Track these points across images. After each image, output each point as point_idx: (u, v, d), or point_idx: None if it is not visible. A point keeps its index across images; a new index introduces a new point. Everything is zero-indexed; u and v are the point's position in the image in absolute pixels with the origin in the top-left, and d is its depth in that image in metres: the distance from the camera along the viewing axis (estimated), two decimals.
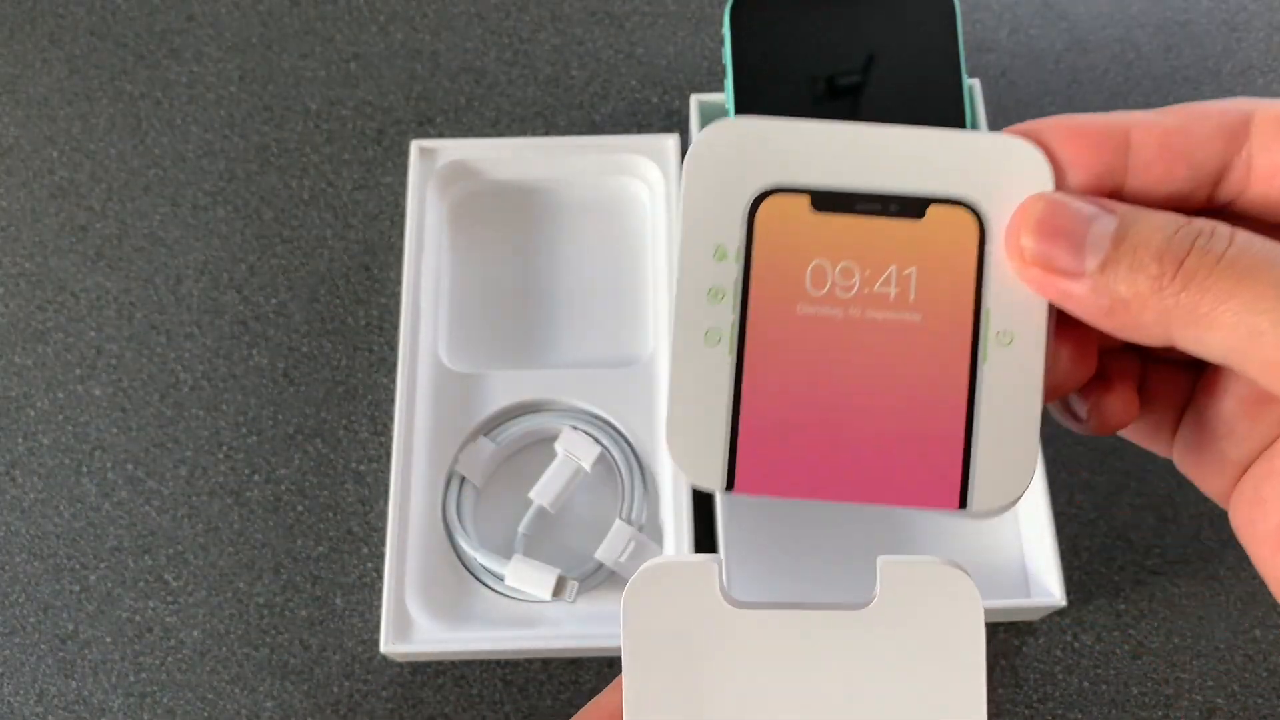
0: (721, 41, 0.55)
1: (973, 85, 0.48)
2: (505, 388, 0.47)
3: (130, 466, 0.48)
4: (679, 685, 0.22)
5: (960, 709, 0.21)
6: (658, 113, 0.55)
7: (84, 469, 0.48)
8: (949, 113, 0.46)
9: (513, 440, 0.46)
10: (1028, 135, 0.22)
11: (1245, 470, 0.23)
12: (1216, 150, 0.21)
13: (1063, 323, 0.22)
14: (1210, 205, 0.22)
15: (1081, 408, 0.24)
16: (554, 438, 0.46)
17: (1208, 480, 0.24)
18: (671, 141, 0.50)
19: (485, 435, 0.46)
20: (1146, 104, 0.54)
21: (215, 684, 0.45)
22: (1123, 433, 0.25)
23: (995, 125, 0.54)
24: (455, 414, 0.46)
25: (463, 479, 0.45)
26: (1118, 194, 0.21)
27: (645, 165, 0.50)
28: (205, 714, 0.44)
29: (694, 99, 0.50)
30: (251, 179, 0.53)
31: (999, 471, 0.22)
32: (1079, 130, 0.22)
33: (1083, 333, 0.22)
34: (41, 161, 0.54)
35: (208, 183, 0.53)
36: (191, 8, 0.57)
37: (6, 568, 0.47)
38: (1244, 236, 0.20)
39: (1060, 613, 0.45)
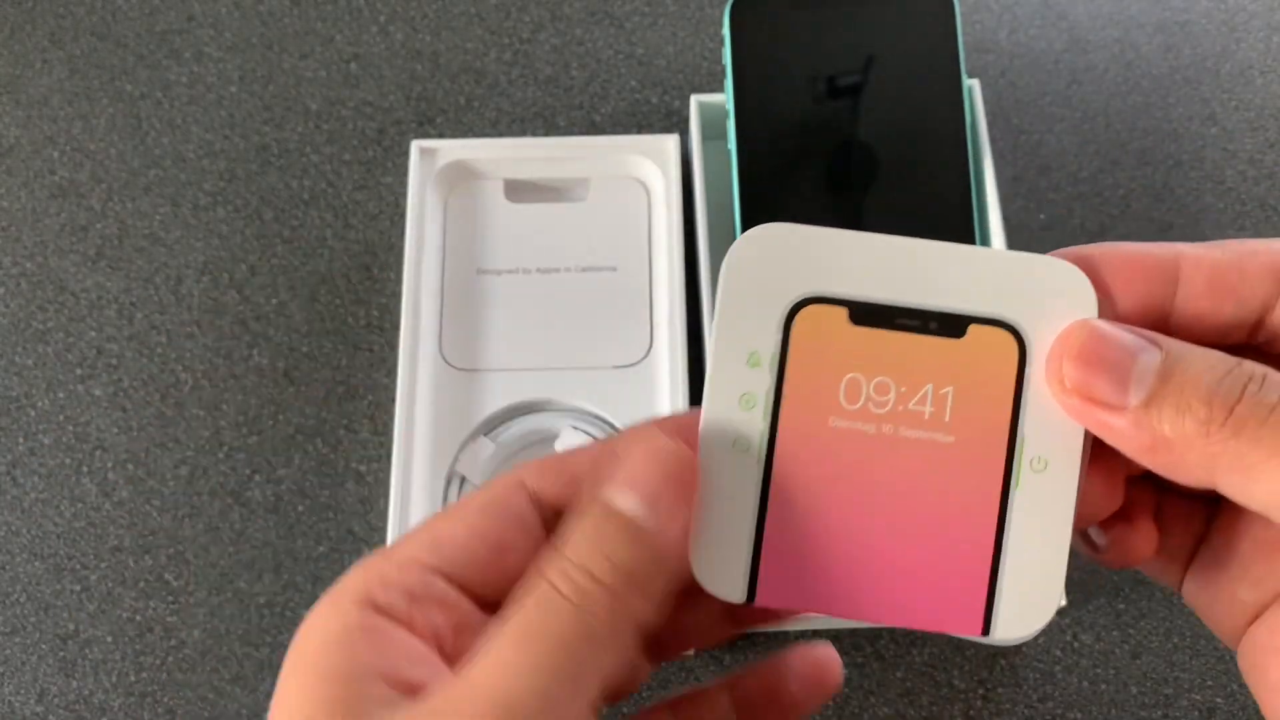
0: (721, 42, 0.55)
1: (972, 85, 0.48)
2: (505, 388, 0.47)
3: (131, 466, 0.48)
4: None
5: None
6: (658, 113, 0.55)
7: (84, 469, 0.48)
8: (949, 113, 0.46)
9: (513, 440, 0.46)
10: (1076, 260, 0.22)
11: (1258, 615, 0.23)
12: (1266, 290, 0.21)
13: (1096, 452, 0.22)
14: (1249, 342, 0.22)
15: (1102, 539, 0.23)
16: (554, 438, 0.46)
17: (1217, 620, 0.24)
18: (671, 142, 0.50)
19: (485, 435, 0.46)
20: (1146, 104, 0.55)
21: (216, 684, 0.45)
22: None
23: (994, 127, 0.54)
24: (455, 414, 0.46)
25: (463, 479, 0.46)
26: (1162, 324, 0.21)
27: (645, 165, 0.50)
28: (206, 714, 0.44)
29: (694, 99, 0.50)
30: (252, 179, 0.53)
31: (1024, 601, 0.22)
32: (1130, 259, 0.21)
33: (1115, 464, 0.22)
34: (42, 161, 0.54)
35: (208, 183, 0.53)
36: (192, 8, 0.57)
37: (7, 567, 0.47)
38: None
39: (1060, 612, 0.45)
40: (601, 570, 0.19)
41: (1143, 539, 0.23)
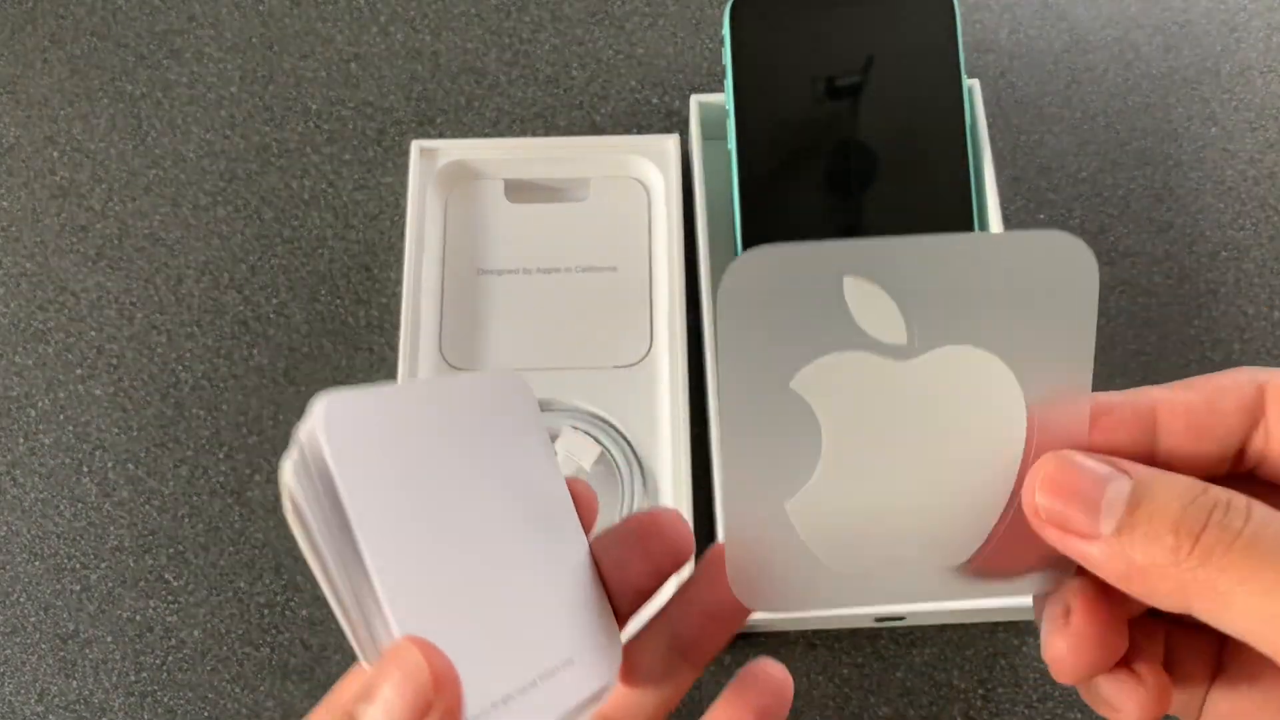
0: (721, 42, 0.55)
1: (972, 85, 0.48)
2: None
3: (131, 466, 0.48)
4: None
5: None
6: (658, 113, 0.55)
7: (85, 469, 0.48)
8: (949, 113, 0.46)
9: None
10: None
11: None
12: (1240, 425, 0.22)
13: (1095, 595, 0.22)
14: (1237, 470, 0.22)
15: (1117, 696, 0.23)
16: (554, 437, 0.46)
17: None
18: (671, 142, 0.50)
19: None
20: (1146, 105, 0.55)
21: (216, 683, 0.45)
22: None
23: (994, 127, 0.54)
24: None
25: None
26: (1148, 461, 0.22)
27: (645, 166, 0.50)
28: (206, 713, 0.44)
29: (694, 99, 0.50)
30: (252, 179, 0.54)
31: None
32: (1107, 410, 0.22)
33: (1116, 606, 0.22)
34: (42, 162, 0.54)
35: (208, 183, 0.53)
36: (192, 8, 0.57)
37: (7, 567, 0.47)
38: (1262, 512, 0.19)
39: None
40: None
41: (1157, 695, 0.23)
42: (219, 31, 0.57)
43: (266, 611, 0.46)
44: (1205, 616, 0.19)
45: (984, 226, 0.46)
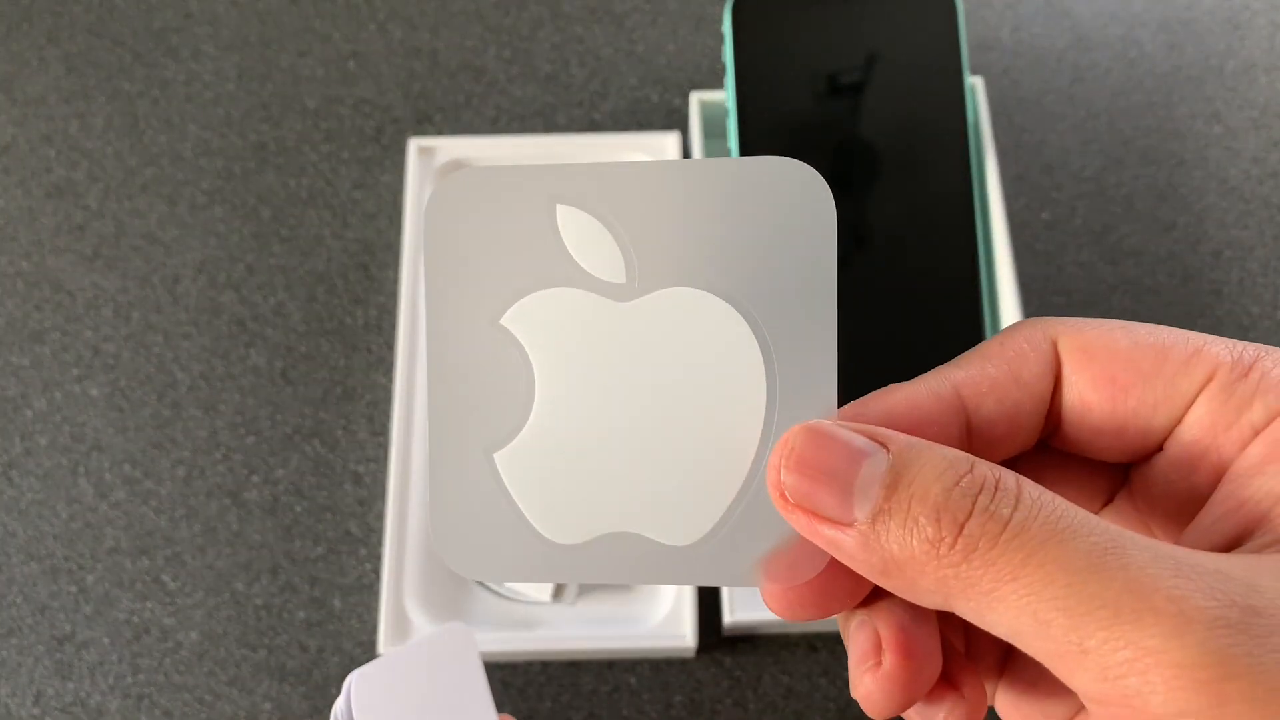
0: (722, 39, 0.55)
1: (975, 83, 0.48)
2: None
3: (128, 467, 0.48)
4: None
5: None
6: (658, 111, 0.54)
7: (81, 469, 0.48)
8: (951, 111, 0.46)
9: None
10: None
11: None
12: (1046, 389, 0.20)
13: (908, 623, 0.19)
14: (1051, 435, 0.20)
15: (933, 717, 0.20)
16: None
17: None
18: (672, 140, 0.50)
19: None
20: (1149, 103, 0.54)
21: (213, 685, 0.44)
22: None
23: (997, 125, 0.53)
24: None
25: None
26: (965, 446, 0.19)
27: None
28: (203, 715, 0.44)
29: (694, 97, 0.50)
30: (249, 178, 0.53)
31: None
32: (909, 404, 0.19)
33: (930, 625, 0.19)
34: (38, 160, 0.54)
35: (205, 181, 0.53)
36: (189, 6, 0.57)
37: (3, 569, 0.46)
38: (1032, 494, 0.16)
39: None
40: None
41: (971, 710, 0.20)
42: (216, 29, 0.57)
43: (264, 613, 0.45)
44: (969, 616, 0.17)
45: (986, 224, 0.46)
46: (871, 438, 0.18)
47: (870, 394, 0.20)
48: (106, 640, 0.45)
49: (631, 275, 0.20)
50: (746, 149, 0.46)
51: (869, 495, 0.17)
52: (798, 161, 0.19)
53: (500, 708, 0.44)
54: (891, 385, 0.20)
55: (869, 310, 0.45)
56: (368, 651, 0.45)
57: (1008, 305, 0.45)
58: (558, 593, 0.42)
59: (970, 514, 0.16)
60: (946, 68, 0.46)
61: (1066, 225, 0.52)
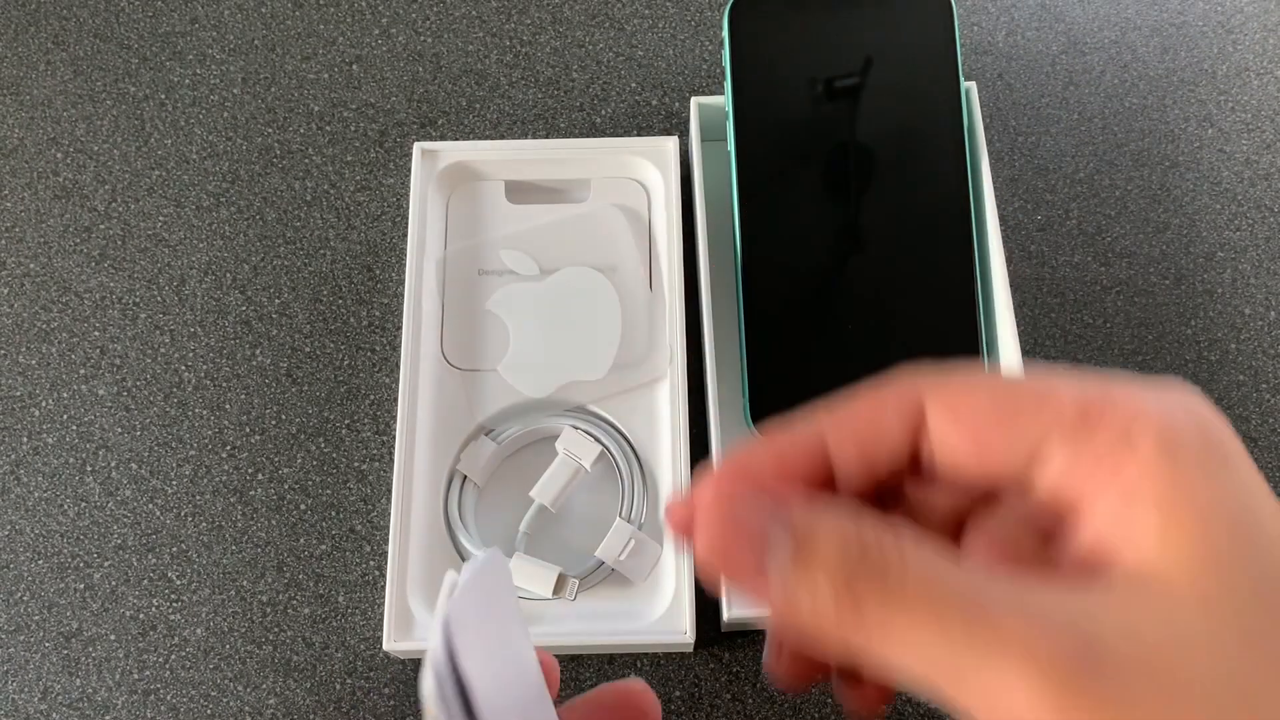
0: (721, 44, 0.55)
1: (970, 87, 0.49)
2: (505, 388, 0.47)
3: (134, 466, 0.48)
4: None
5: None
6: (658, 115, 0.55)
7: (88, 468, 0.48)
8: (947, 114, 0.47)
9: (514, 439, 0.46)
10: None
11: None
12: (906, 438, 0.21)
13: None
14: (915, 481, 0.21)
15: (840, 693, 0.23)
16: (555, 437, 0.46)
17: None
18: (671, 144, 0.50)
19: (486, 434, 0.46)
20: (1143, 106, 0.55)
21: (219, 681, 0.45)
22: None
23: (991, 128, 0.54)
24: (457, 413, 0.47)
25: (464, 478, 0.46)
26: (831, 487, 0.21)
27: (645, 167, 0.51)
28: (209, 711, 0.45)
29: (694, 101, 0.50)
30: (255, 180, 0.54)
31: None
32: (786, 447, 0.21)
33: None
34: (46, 163, 0.54)
35: (211, 184, 0.54)
36: (195, 10, 0.58)
37: (11, 566, 0.47)
38: (910, 552, 0.18)
39: None
40: None
41: (875, 694, 0.22)
42: (222, 33, 0.57)
43: (269, 610, 0.46)
44: (872, 669, 0.18)
45: (981, 227, 0.46)
46: (774, 510, 0.19)
47: (752, 441, 0.21)
48: (113, 636, 0.46)
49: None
50: (744, 152, 0.46)
51: (778, 561, 0.19)
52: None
53: None
54: (769, 432, 0.21)
55: (864, 312, 0.46)
56: (372, 647, 0.45)
57: (1002, 307, 0.45)
58: (558, 588, 0.43)
59: (858, 574, 0.18)
60: (942, 72, 0.47)
61: (1060, 227, 0.52)
